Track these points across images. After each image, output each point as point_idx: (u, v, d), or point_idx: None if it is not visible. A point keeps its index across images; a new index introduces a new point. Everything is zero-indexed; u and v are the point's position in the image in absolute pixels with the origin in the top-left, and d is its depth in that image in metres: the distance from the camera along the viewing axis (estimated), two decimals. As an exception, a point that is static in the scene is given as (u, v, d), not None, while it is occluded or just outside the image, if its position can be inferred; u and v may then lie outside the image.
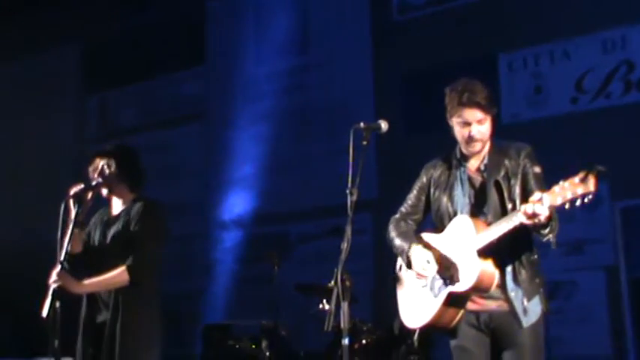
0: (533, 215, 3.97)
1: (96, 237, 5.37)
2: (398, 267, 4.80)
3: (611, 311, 8.29)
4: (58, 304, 4.61)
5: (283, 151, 10.72)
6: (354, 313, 4.16)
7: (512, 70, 9.11)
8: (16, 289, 10.60)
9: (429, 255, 4.46)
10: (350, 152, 4.20)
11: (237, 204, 11.01)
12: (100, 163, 5.33)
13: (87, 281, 5.11)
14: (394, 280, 4.82)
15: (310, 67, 10.96)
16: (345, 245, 4.07)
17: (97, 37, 12.84)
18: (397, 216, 4.82)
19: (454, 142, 4.60)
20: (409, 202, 4.80)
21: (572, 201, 3.87)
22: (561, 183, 3.91)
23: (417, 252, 4.52)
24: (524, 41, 9.06)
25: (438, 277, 4.45)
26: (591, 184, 3.81)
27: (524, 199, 4.28)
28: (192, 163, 11.72)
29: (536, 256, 4.46)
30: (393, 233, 4.73)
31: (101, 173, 5.30)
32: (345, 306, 4.03)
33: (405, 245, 4.58)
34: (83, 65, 13.32)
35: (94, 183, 5.24)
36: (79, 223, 5.16)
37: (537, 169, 4.42)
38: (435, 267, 4.42)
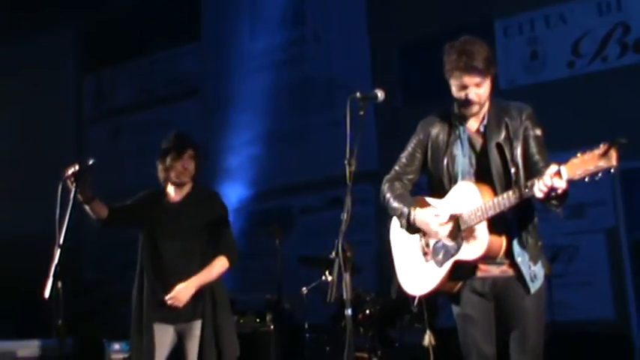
0: (552, 189, 3.78)
1: (165, 215, 5.77)
2: (393, 230, 4.66)
3: (613, 274, 8.32)
4: (60, 284, 4.59)
5: (282, 124, 10.71)
6: (357, 284, 4.11)
7: (508, 36, 9.09)
8: (15, 272, 10.63)
9: (437, 212, 4.27)
10: (347, 123, 4.11)
11: (237, 180, 11.00)
12: (187, 157, 5.74)
13: (194, 279, 5.63)
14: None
15: (306, 40, 10.93)
16: (345, 216, 4.00)
17: (93, 16, 12.79)
18: (391, 175, 4.59)
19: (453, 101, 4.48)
20: (404, 160, 4.56)
21: (593, 175, 3.68)
22: (580, 155, 3.69)
23: (422, 212, 4.33)
24: (520, 7, 9.04)
25: (440, 244, 4.33)
26: (613, 158, 3.60)
27: (525, 162, 4.20)
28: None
29: (536, 219, 4.33)
30: (388, 194, 4.51)
31: (187, 169, 5.74)
32: (347, 277, 3.99)
33: (405, 209, 4.38)
34: (79, 44, 13.29)
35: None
36: (88, 199, 5.43)
37: (538, 132, 4.27)
38: (447, 227, 4.25)
